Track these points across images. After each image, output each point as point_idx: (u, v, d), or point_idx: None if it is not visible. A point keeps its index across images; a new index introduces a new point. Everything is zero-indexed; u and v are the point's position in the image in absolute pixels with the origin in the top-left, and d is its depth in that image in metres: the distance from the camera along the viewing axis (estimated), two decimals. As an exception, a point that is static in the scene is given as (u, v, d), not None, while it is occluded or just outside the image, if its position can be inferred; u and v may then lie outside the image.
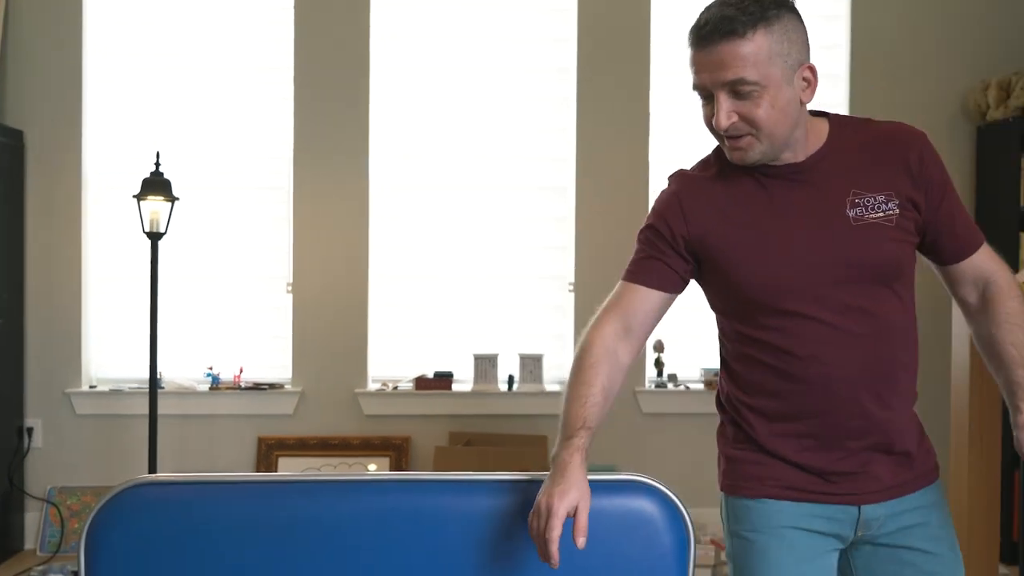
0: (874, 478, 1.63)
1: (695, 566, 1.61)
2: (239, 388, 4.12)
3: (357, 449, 4.09)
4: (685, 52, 1.57)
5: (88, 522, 1.47)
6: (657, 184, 4.21)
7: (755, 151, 1.57)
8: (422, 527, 1.36)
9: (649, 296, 1.69)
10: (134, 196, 3.66)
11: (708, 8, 1.55)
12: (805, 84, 1.57)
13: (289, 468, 4.06)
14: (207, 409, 4.13)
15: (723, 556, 3.66)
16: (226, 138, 4.18)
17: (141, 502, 1.50)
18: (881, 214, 1.58)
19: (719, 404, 1.80)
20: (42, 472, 4.10)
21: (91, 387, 4.15)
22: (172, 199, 3.69)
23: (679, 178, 1.72)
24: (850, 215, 1.58)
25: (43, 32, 4.10)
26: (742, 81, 1.50)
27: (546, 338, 4.23)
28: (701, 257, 1.66)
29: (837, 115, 1.69)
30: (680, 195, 1.67)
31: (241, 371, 4.16)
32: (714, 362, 4.22)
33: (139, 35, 4.17)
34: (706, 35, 1.51)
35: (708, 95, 1.55)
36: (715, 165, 1.68)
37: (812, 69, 1.57)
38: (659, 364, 4.14)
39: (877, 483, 1.63)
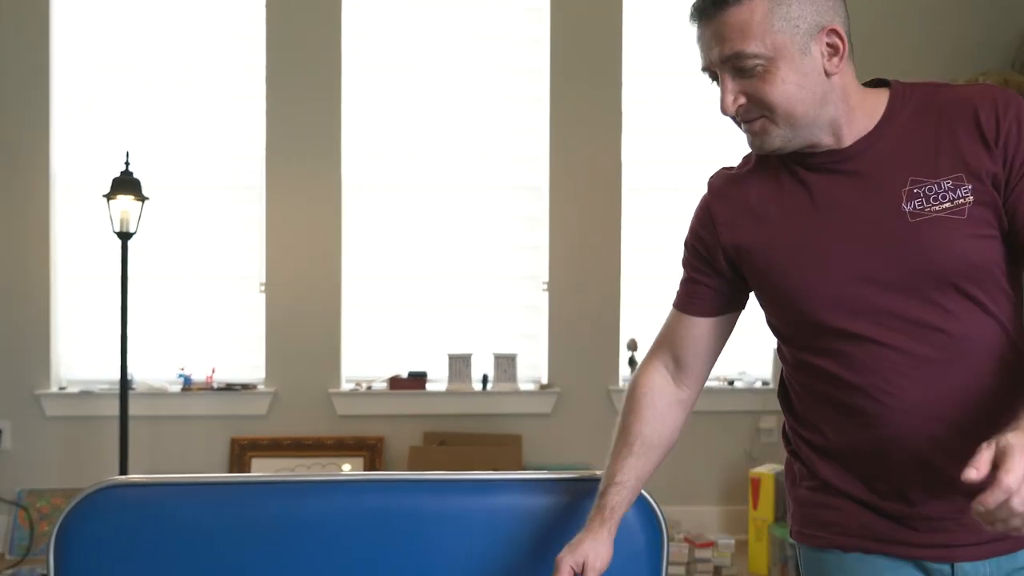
0: (970, 528, 1.28)
1: (668, 563, 1.62)
2: (211, 389, 4.09)
3: (331, 449, 4.08)
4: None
5: (58, 524, 1.46)
6: (631, 183, 4.23)
7: (774, 136, 1.32)
8: (397, 527, 1.36)
9: (696, 324, 1.48)
10: (104, 195, 3.63)
11: None
12: (831, 51, 1.30)
13: (262, 469, 4.04)
14: (179, 410, 4.10)
15: (698, 554, 3.69)
16: (197, 137, 4.15)
17: (112, 504, 1.49)
18: (948, 204, 1.28)
19: (784, 438, 1.54)
20: (11, 474, 4.05)
21: (61, 388, 4.11)
22: (142, 199, 3.66)
23: (712, 180, 1.49)
24: (907, 209, 1.29)
25: (9, 28, 4.05)
26: (741, 55, 1.27)
27: (520, 338, 4.24)
28: (741, 268, 1.43)
29: (902, 84, 1.38)
30: (710, 202, 1.46)
31: (214, 372, 4.13)
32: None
33: (108, 32, 4.13)
34: (700, 6, 1.31)
35: (715, 76, 1.34)
36: (753, 160, 1.45)
37: (838, 33, 1.29)
38: (632, 363, 4.15)
39: (974, 534, 1.30)
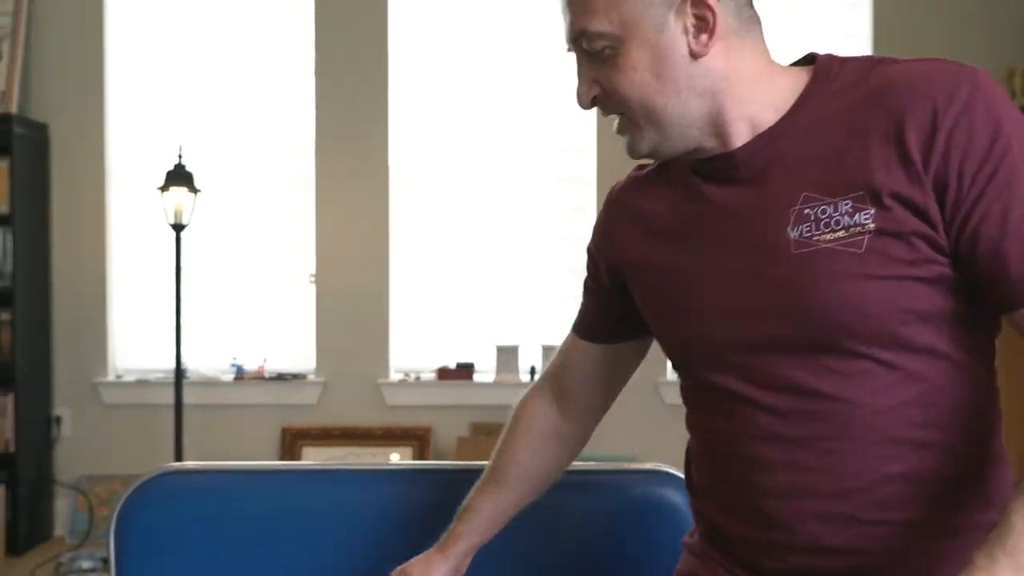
0: None
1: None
2: (263, 378, 4.16)
3: (380, 439, 4.12)
4: None
5: (117, 509, 1.50)
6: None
7: (640, 139, 1.05)
8: (445, 516, 1.38)
9: (586, 348, 1.25)
10: (158, 188, 3.70)
11: None
12: (698, 26, 0.99)
13: (313, 458, 4.10)
14: (232, 399, 4.18)
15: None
16: (248, 130, 4.21)
17: (168, 490, 1.53)
18: (842, 233, 0.95)
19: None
20: (71, 461, 4.17)
21: (118, 377, 4.21)
22: (195, 191, 3.73)
23: (614, 186, 1.23)
24: (792, 236, 0.98)
25: (66, 25, 4.14)
26: (586, 33, 1.01)
27: (568, 329, 4.23)
28: (630, 289, 1.18)
29: (831, 60, 1.04)
30: (607, 208, 1.21)
31: (265, 361, 4.20)
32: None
33: (161, 28, 4.21)
34: None
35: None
36: (646, 170, 1.20)
37: (698, 2, 0.98)
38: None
39: None
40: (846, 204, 0.96)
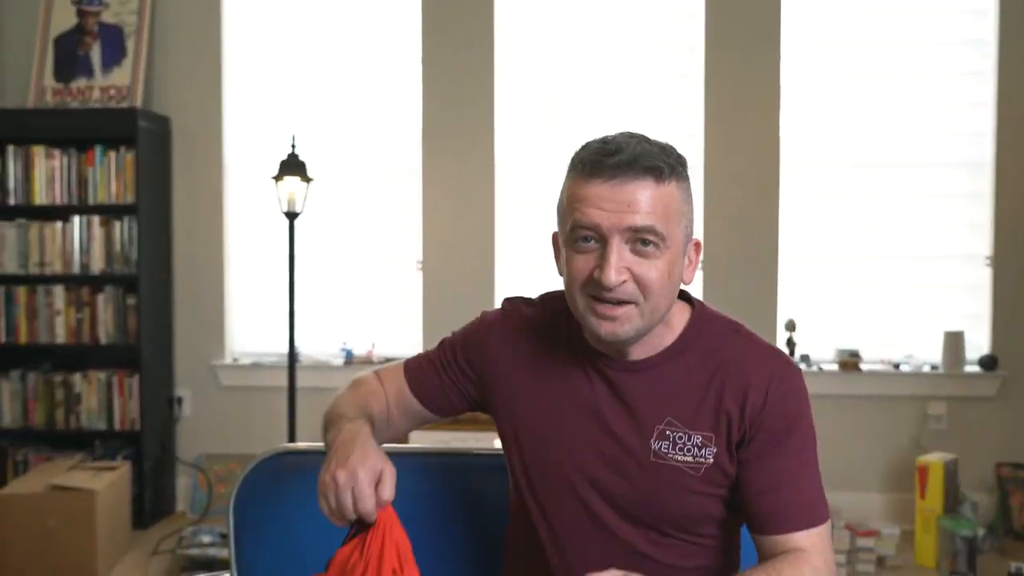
0: None
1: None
2: (371, 363, 4.24)
3: (486, 424, 4.16)
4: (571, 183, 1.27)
5: (237, 486, 1.56)
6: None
7: (632, 326, 1.26)
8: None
9: (409, 399, 1.47)
10: (272, 177, 3.81)
11: (612, 137, 1.26)
12: (688, 262, 1.32)
13: (418, 441, 4.16)
14: (342, 383, 4.21)
15: (860, 542, 3.57)
16: (358, 121, 4.29)
17: (283, 469, 1.58)
18: (690, 458, 1.28)
19: None
20: (191, 439, 4.35)
21: (234, 360, 4.36)
22: (308, 180, 3.82)
23: (505, 310, 1.46)
24: (653, 447, 1.29)
25: (187, 22, 4.30)
26: (651, 231, 1.23)
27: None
28: (488, 404, 1.43)
29: (704, 308, 1.37)
30: (491, 326, 1.44)
31: (373, 346, 4.29)
32: (850, 341, 4.12)
33: (275, 23, 4.33)
34: (619, 165, 1.22)
35: (594, 239, 1.24)
36: (536, 317, 1.42)
37: (698, 245, 1.33)
38: (791, 344, 4.04)
39: None
40: (698, 438, 1.29)
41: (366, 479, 1.16)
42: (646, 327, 1.28)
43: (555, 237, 1.35)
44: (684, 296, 1.38)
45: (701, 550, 1.33)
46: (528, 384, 1.37)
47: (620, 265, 1.23)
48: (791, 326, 4.04)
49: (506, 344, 1.41)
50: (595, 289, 1.25)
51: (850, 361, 4.05)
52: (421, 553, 1.23)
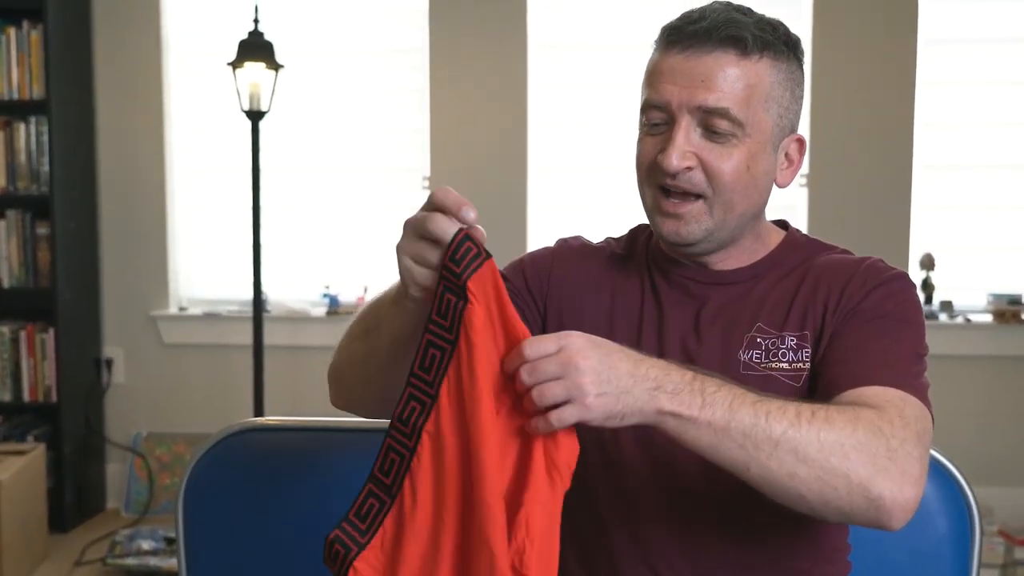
0: None
1: (980, 564, 1.57)
2: (363, 313, 4.24)
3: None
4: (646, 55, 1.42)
5: (185, 477, 1.56)
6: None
7: (700, 226, 1.41)
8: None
9: None
10: (229, 64, 3.78)
11: (707, 5, 1.42)
12: (787, 162, 1.46)
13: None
14: (324, 339, 4.24)
15: (1019, 553, 3.56)
16: (343, -15, 4.25)
17: (247, 451, 1.58)
18: (786, 365, 1.42)
19: None
20: (125, 414, 4.39)
21: (181, 310, 4.38)
22: (276, 67, 3.79)
23: (565, 241, 1.63)
24: (742, 359, 1.43)
25: None
26: (725, 113, 1.36)
27: None
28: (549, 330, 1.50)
29: (797, 233, 1.56)
30: (559, 252, 1.59)
31: (366, 291, 4.29)
32: (1007, 284, 4.08)
33: None
34: (697, 33, 1.37)
35: (663, 120, 1.40)
36: (615, 247, 1.59)
37: (802, 143, 1.47)
38: (927, 287, 4.00)
39: None
40: (791, 339, 1.42)
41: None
42: (718, 230, 1.42)
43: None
44: (780, 225, 1.56)
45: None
46: (599, 309, 1.51)
47: (686, 149, 1.37)
48: (928, 263, 4.00)
49: (575, 266, 1.55)
50: (659, 176, 1.39)
51: (1009, 310, 4.01)
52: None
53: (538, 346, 1.16)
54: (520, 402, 1.17)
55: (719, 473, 1.23)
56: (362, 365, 1.46)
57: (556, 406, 1.14)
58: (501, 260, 1.38)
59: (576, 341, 1.17)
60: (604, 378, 1.16)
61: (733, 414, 1.20)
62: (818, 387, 1.38)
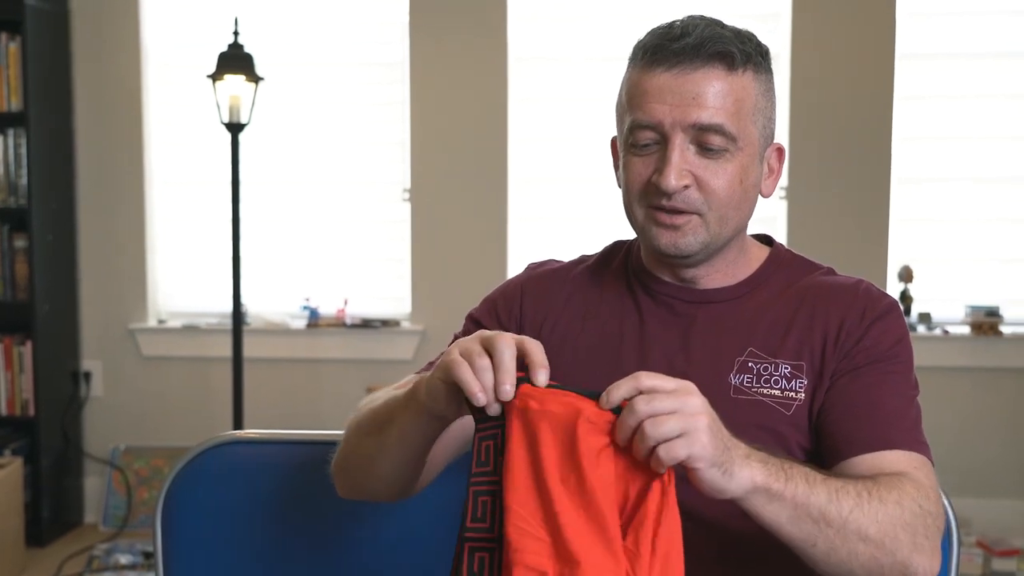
0: None
1: (958, 574, 1.57)
2: (344, 326, 4.23)
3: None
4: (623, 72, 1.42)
5: (164, 492, 1.56)
6: None
7: (696, 239, 1.42)
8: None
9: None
10: (209, 76, 3.78)
11: (679, 21, 1.42)
12: (769, 171, 1.48)
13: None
14: (304, 351, 4.28)
15: (997, 565, 3.57)
16: (324, 2, 4.25)
17: (227, 465, 1.57)
18: (777, 392, 1.42)
19: None
20: (104, 428, 4.36)
21: (160, 322, 4.36)
22: (256, 79, 3.79)
23: (533, 268, 1.62)
24: (732, 382, 1.43)
25: None
26: (719, 129, 1.38)
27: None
28: None
29: (782, 248, 1.57)
30: (524, 284, 1.57)
31: (346, 304, 4.28)
32: (984, 296, 4.10)
33: None
34: (683, 50, 1.37)
35: (654, 140, 1.40)
36: (589, 261, 1.59)
37: (781, 151, 1.50)
38: (906, 298, 4.02)
39: None
40: (785, 367, 1.42)
41: (506, 346, 1.17)
42: (712, 243, 1.43)
43: (613, 143, 1.49)
44: (763, 240, 1.57)
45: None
46: (576, 326, 1.51)
47: (683, 168, 1.38)
48: (906, 275, 4.01)
49: (546, 288, 1.56)
50: (654, 197, 1.39)
51: (986, 322, 4.03)
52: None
53: (656, 379, 1.14)
54: (595, 457, 1.12)
55: (728, 520, 1.26)
56: (371, 460, 1.40)
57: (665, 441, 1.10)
58: (481, 274, 1.39)
59: (692, 384, 1.15)
60: (716, 426, 1.15)
61: (812, 489, 1.21)
62: (829, 441, 1.40)
